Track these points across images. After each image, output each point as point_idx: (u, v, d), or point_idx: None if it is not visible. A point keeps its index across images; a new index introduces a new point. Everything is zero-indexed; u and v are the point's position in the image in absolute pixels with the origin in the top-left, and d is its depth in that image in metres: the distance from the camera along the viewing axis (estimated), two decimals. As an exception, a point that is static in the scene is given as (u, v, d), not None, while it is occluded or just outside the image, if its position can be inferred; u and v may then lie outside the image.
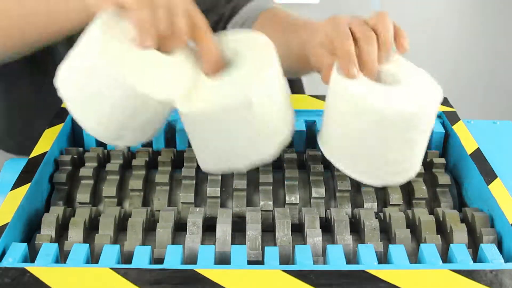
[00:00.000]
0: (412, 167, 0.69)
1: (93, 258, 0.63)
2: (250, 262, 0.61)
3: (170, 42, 0.66)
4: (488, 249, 0.61)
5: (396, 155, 0.66)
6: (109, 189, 0.72)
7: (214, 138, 0.66)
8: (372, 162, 0.67)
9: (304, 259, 0.59)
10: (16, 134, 1.12)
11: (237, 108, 0.62)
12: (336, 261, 0.59)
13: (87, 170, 0.74)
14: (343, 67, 0.68)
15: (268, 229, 0.67)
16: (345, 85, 0.66)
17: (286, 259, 0.63)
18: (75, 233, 0.64)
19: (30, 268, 0.56)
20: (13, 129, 1.10)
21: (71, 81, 0.65)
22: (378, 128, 0.64)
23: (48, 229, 0.64)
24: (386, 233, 0.67)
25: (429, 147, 0.80)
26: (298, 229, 0.67)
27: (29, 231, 0.67)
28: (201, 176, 0.75)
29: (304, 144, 0.81)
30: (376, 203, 0.73)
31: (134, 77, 0.62)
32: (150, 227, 0.67)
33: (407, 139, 0.65)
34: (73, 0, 0.73)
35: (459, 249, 0.61)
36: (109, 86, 0.62)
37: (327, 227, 0.68)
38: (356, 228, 0.68)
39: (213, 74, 0.67)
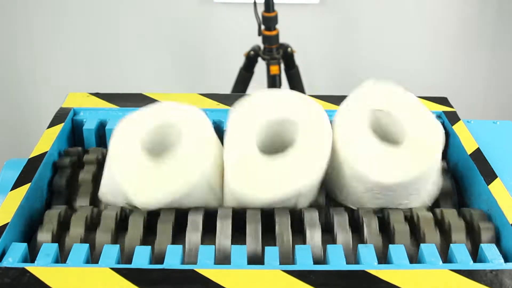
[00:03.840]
0: (422, 200, 0.70)
1: (93, 258, 0.63)
2: (250, 262, 0.61)
3: None
4: (488, 249, 0.61)
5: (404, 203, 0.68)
6: (109, 189, 0.72)
7: None
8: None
9: (304, 259, 0.59)
10: None
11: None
12: (336, 261, 0.59)
13: (86, 172, 0.74)
14: None
15: (268, 229, 0.67)
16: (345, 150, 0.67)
17: (286, 259, 0.63)
18: (75, 233, 0.64)
19: (30, 268, 0.56)
20: None
21: None
22: (377, 193, 0.67)
23: (48, 229, 0.64)
24: (386, 233, 0.67)
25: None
26: (298, 229, 0.67)
27: (29, 231, 0.67)
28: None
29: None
30: (376, 203, 0.73)
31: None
32: (150, 227, 0.67)
33: (410, 193, 0.67)
34: None
35: (459, 249, 0.61)
36: None
37: (327, 227, 0.68)
38: (356, 228, 0.68)
39: None
